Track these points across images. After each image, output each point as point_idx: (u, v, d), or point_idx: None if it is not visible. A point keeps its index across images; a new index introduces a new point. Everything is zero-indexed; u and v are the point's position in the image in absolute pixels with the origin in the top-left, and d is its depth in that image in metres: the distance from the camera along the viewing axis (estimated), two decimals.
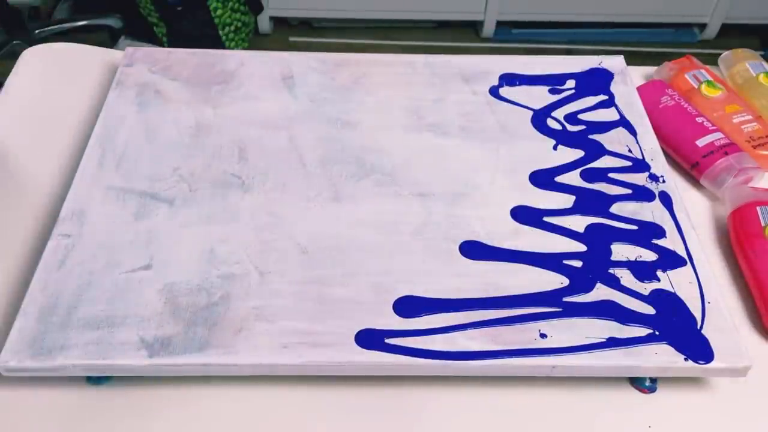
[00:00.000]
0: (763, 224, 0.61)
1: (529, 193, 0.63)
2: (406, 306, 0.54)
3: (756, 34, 1.99)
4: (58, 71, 0.79)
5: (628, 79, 0.75)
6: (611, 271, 0.57)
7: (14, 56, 0.79)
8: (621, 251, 0.58)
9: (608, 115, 0.71)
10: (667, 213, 0.62)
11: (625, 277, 0.57)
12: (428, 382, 0.53)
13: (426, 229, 0.60)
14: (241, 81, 0.73)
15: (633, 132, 0.69)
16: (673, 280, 0.57)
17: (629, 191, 0.63)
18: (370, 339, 0.52)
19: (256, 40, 1.97)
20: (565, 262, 0.57)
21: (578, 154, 0.67)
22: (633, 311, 0.54)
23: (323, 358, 0.51)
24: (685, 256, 0.58)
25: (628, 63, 0.77)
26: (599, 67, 0.76)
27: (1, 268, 0.59)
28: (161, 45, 1.87)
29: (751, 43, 1.98)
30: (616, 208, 0.62)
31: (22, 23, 1.62)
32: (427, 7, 1.96)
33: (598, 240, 0.59)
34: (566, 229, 0.60)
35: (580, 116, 0.71)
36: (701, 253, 0.58)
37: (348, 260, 0.57)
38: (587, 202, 0.62)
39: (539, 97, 0.73)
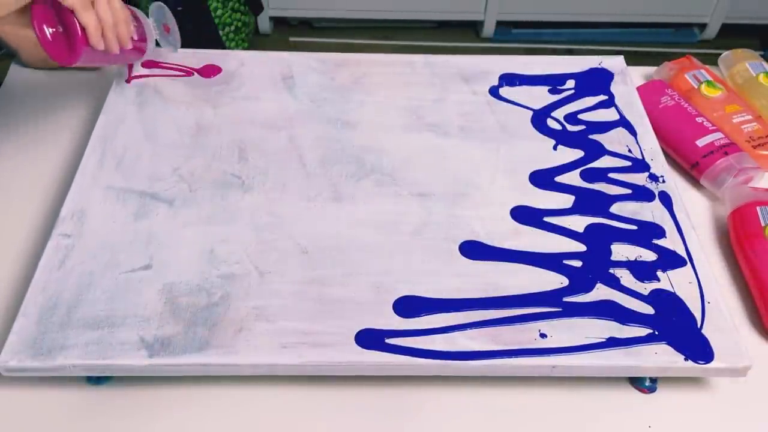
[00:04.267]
0: (763, 224, 0.61)
1: (529, 193, 0.63)
2: (406, 306, 0.54)
3: (756, 34, 1.98)
4: (58, 71, 0.78)
5: (628, 79, 0.75)
6: (611, 271, 0.57)
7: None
8: (621, 251, 0.58)
9: (608, 115, 0.71)
10: (667, 213, 0.62)
11: (625, 277, 0.57)
12: (428, 382, 0.53)
13: (426, 229, 0.60)
14: (241, 81, 0.73)
15: (633, 132, 0.69)
16: (673, 280, 0.56)
17: (629, 191, 0.63)
18: (370, 339, 0.52)
19: (256, 40, 1.97)
20: (565, 262, 0.57)
21: (578, 154, 0.67)
22: (633, 311, 0.54)
23: (323, 358, 0.51)
24: (685, 256, 0.58)
25: (628, 63, 0.77)
26: (599, 67, 0.76)
27: (1, 268, 0.59)
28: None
29: (751, 43, 1.98)
30: (616, 208, 0.62)
31: None
32: (427, 7, 1.96)
33: (598, 240, 0.59)
34: (566, 229, 0.60)
35: (580, 116, 0.71)
36: (701, 253, 0.58)
37: (348, 260, 0.57)
38: (587, 202, 0.62)
39: (539, 97, 0.73)
